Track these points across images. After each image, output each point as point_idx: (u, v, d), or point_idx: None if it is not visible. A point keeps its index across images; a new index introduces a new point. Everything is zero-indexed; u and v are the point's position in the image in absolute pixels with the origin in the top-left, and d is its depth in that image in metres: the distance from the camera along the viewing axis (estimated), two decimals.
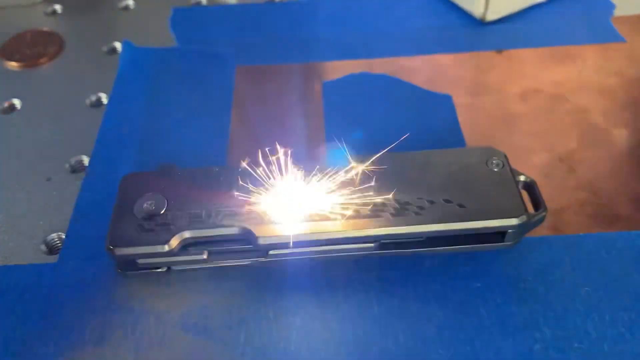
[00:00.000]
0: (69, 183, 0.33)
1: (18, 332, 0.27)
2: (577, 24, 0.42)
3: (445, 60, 0.40)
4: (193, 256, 0.27)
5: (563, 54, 0.40)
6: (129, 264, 0.28)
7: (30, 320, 0.27)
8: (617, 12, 0.42)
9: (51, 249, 0.30)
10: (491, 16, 0.41)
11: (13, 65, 0.41)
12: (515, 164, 0.29)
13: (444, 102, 0.37)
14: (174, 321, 0.27)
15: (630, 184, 0.32)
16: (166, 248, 0.26)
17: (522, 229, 0.27)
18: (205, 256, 0.27)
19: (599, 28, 0.41)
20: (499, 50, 0.40)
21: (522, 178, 0.29)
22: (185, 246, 0.27)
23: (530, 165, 0.33)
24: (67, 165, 0.34)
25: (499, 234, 0.27)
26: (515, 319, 0.27)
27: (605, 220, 0.30)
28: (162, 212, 0.27)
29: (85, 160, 0.34)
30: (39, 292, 0.28)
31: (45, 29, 0.44)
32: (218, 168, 0.29)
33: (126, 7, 0.46)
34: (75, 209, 0.32)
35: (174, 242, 0.26)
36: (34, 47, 0.42)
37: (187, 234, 0.27)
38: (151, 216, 0.27)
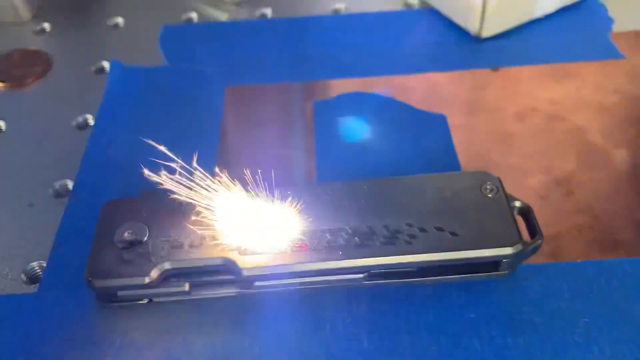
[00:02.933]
0: (52, 208, 0.32)
1: None
2: (574, 40, 0.41)
3: (439, 78, 0.39)
4: (175, 288, 0.26)
5: (561, 71, 0.39)
6: (109, 296, 0.27)
7: (8, 353, 0.26)
8: (616, 28, 0.41)
9: (31, 279, 0.30)
10: (487, 33, 0.40)
11: None
12: (510, 186, 0.28)
13: (439, 123, 0.36)
14: (156, 355, 0.26)
15: (632, 208, 0.31)
16: (146, 280, 0.25)
17: (517, 258, 0.26)
18: (187, 288, 0.26)
19: (598, 44, 0.40)
20: (495, 68, 0.39)
21: (517, 204, 0.28)
22: (166, 277, 0.26)
23: (526, 187, 0.32)
24: (50, 190, 0.33)
25: (493, 263, 0.26)
26: (512, 352, 0.25)
27: (605, 246, 0.29)
28: (143, 241, 0.26)
29: (70, 184, 0.34)
30: (18, 323, 0.27)
31: (32, 47, 0.43)
32: None
33: (116, 25, 0.45)
34: (58, 236, 0.31)
35: (155, 273, 0.25)
36: (21, 67, 0.41)
37: (168, 265, 0.26)
38: (131, 246, 0.26)
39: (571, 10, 0.42)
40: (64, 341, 0.27)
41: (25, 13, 0.45)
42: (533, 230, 0.27)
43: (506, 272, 0.27)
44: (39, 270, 0.30)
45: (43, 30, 0.45)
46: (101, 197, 0.32)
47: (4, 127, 0.37)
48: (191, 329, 0.27)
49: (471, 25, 0.40)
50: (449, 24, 0.42)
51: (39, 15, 0.46)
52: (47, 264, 0.30)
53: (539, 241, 0.26)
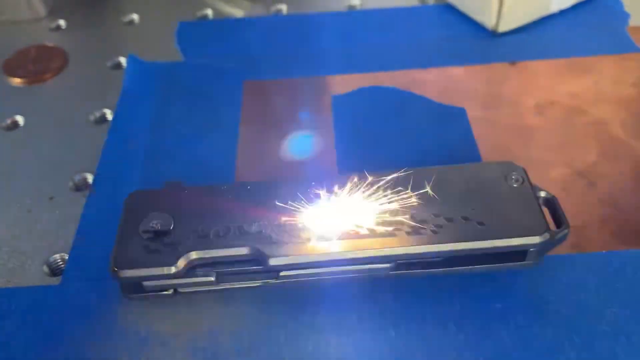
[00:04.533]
0: (72, 202, 0.32)
1: (19, 357, 0.26)
2: (592, 34, 0.41)
3: (457, 72, 0.39)
4: (201, 278, 0.26)
5: (578, 65, 0.39)
6: (134, 287, 0.27)
7: (31, 344, 0.26)
8: (633, 22, 0.41)
9: (54, 271, 0.30)
10: (504, 27, 0.40)
11: (17, 81, 0.40)
12: (533, 179, 0.28)
13: (458, 116, 0.36)
14: (182, 346, 0.26)
15: None
16: (172, 270, 0.25)
17: (544, 247, 0.26)
18: (213, 278, 0.26)
19: (615, 38, 0.40)
20: (513, 62, 0.39)
21: (542, 194, 0.28)
22: (192, 268, 0.26)
23: (548, 179, 0.32)
24: (70, 184, 0.33)
25: (520, 253, 0.26)
26: (539, 343, 0.25)
27: (629, 237, 0.29)
28: (169, 231, 0.26)
29: (90, 178, 0.34)
30: (41, 315, 0.27)
31: (49, 44, 0.43)
32: (226, 186, 0.28)
33: (131, 22, 0.45)
34: (79, 229, 0.31)
35: (181, 263, 0.25)
36: (38, 63, 0.41)
37: (194, 255, 0.25)
38: (157, 236, 0.26)
39: (587, 5, 0.43)
40: (87, 333, 0.27)
41: (41, 10, 0.45)
42: (559, 220, 0.27)
43: (532, 262, 0.27)
44: (61, 263, 0.30)
45: (59, 27, 0.45)
46: (121, 191, 0.32)
47: (22, 122, 0.37)
48: (217, 319, 0.27)
49: (488, 20, 0.40)
50: (465, 19, 0.42)
51: (54, 12, 0.46)
52: (69, 256, 0.30)
53: (566, 230, 0.26)
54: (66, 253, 0.30)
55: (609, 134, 0.34)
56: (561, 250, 0.28)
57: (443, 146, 0.34)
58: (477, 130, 0.35)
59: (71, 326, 0.27)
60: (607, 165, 0.32)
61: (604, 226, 0.30)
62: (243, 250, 0.26)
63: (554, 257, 0.28)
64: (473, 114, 0.36)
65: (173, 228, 0.26)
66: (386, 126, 0.35)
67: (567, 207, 0.28)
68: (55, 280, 0.29)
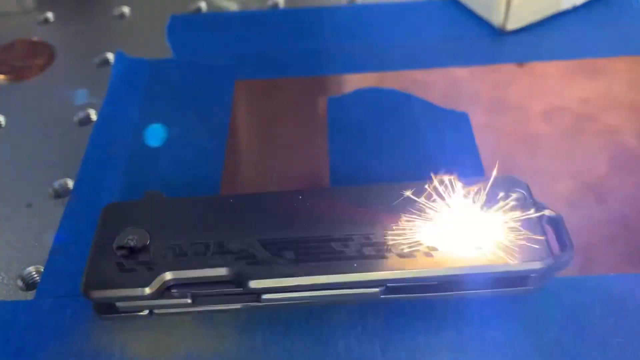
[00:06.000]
0: (51, 209, 0.31)
1: None
2: (606, 34, 0.38)
3: (461, 73, 0.37)
4: (176, 300, 0.25)
5: (590, 67, 0.36)
6: (107, 307, 0.25)
7: None
8: None
9: (28, 284, 0.28)
10: (512, 25, 0.38)
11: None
12: (536, 191, 0.26)
13: (460, 121, 0.34)
14: None
15: None
16: (147, 291, 0.24)
17: (546, 272, 0.24)
18: (190, 300, 0.25)
19: (631, 38, 0.38)
20: (520, 64, 0.37)
21: (546, 213, 0.26)
22: (168, 288, 0.24)
23: (553, 193, 0.30)
24: (50, 190, 0.32)
25: (520, 278, 0.24)
26: None
27: None
28: (145, 248, 0.25)
29: (70, 183, 0.32)
30: (11, 332, 0.26)
31: (35, 38, 0.41)
32: (208, 198, 0.27)
33: (122, 15, 0.43)
34: (56, 239, 0.29)
35: (156, 284, 0.24)
36: (23, 59, 0.40)
37: (169, 276, 0.24)
38: (132, 253, 0.25)
39: (601, 2, 0.40)
40: (59, 353, 0.25)
41: (29, 1, 0.44)
42: (563, 242, 0.25)
43: (533, 287, 0.25)
44: (36, 276, 0.28)
45: (46, 20, 0.43)
46: (103, 198, 0.31)
47: (3, 122, 0.36)
48: (194, 342, 0.25)
49: (495, 17, 0.38)
50: (471, 15, 0.40)
51: (43, 3, 0.44)
52: (44, 269, 0.28)
53: (571, 254, 0.24)
54: (42, 265, 0.28)
55: (621, 144, 0.32)
56: (565, 272, 0.26)
57: (443, 154, 0.32)
58: (480, 137, 0.33)
59: (42, 344, 0.25)
60: (619, 179, 0.30)
61: (613, 246, 0.28)
62: (221, 271, 0.24)
63: (556, 280, 0.26)
64: (476, 119, 0.34)
65: (149, 244, 0.25)
66: (383, 131, 0.33)
67: (573, 224, 0.26)
68: (29, 295, 0.27)
